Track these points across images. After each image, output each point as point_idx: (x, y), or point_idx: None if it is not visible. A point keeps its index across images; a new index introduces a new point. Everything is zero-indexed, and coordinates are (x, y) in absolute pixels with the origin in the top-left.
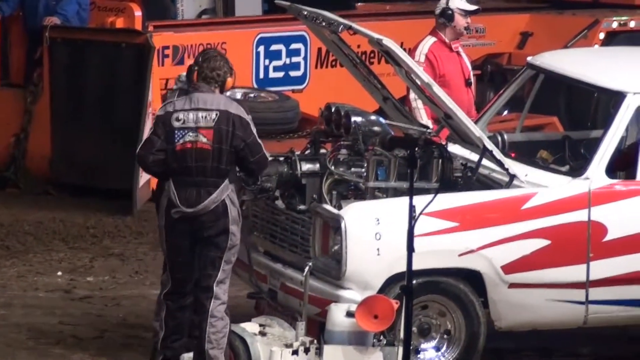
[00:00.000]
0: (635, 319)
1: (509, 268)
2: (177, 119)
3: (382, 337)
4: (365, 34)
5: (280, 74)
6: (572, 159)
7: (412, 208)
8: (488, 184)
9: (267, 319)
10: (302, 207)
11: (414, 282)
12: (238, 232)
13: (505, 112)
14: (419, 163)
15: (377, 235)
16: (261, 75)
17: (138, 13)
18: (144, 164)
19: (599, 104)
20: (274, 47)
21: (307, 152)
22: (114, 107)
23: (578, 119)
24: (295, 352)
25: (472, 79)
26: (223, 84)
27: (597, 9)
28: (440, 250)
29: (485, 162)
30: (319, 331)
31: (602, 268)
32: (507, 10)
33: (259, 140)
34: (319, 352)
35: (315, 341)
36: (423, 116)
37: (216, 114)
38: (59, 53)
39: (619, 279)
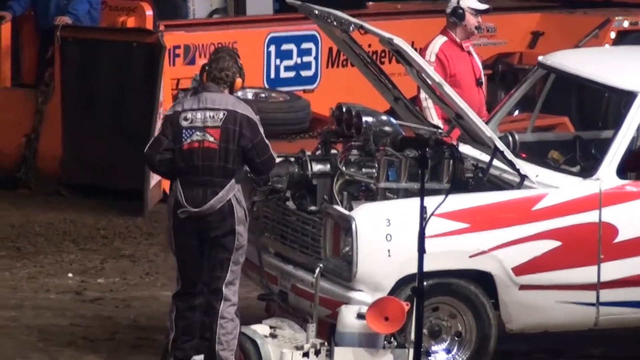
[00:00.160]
0: None
1: (520, 269)
2: (185, 119)
3: (392, 339)
4: (376, 34)
5: (292, 74)
6: (583, 159)
7: (423, 209)
8: (499, 184)
9: (277, 320)
10: (313, 208)
11: (425, 283)
12: (245, 233)
13: (516, 112)
14: (430, 164)
15: (388, 236)
16: (272, 75)
17: (149, 12)
18: (151, 163)
19: (610, 103)
20: (285, 47)
21: (318, 152)
22: (125, 107)
23: (589, 119)
24: (305, 354)
25: (483, 79)
26: (232, 85)
27: (608, 8)
28: (451, 251)
29: (496, 162)
30: (329, 333)
31: (613, 269)
32: (518, 10)
33: (267, 141)
34: (330, 354)
35: (325, 343)
36: (434, 116)
37: (224, 114)
38: (70, 53)
39: (630, 280)
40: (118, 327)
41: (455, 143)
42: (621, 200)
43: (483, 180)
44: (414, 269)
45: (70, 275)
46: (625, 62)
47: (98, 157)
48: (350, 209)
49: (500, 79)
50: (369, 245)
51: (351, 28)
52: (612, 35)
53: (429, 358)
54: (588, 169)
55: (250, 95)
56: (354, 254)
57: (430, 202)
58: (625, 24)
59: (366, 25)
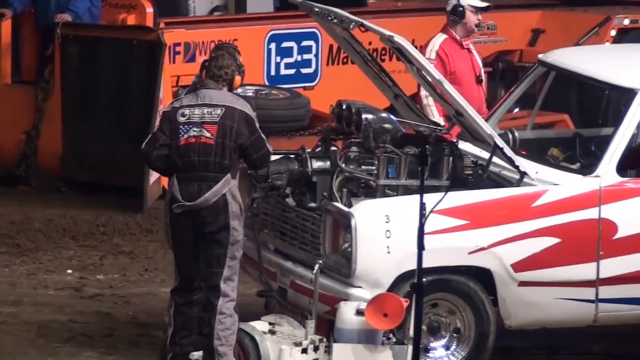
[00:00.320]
0: None
1: (519, 266)
2: (183, 115)
3: (391, 336)
4: (376, 31)
5: (292, 71)
6: (583, 156)
7: (422, 206)
8: (499, 181)
9: (276, 317)
10: (312, 204)
11: (424, 280)
12: (240, 228)
13: (516, 110)
14: (430, 161)
15: (388, 233)
16: (272, 72)
17: (150, 10)
18: (147, 159)
19: (610, 101)
20: (285, 44)
21: (318, 149)
22: (125, 104)
23: (589, 117)
24: (304, 351)
25: (483, 76)
26: (231, 82)
27: (608, 5)
28: (450, 248)
29: (496, 159)
30: (328, 329)
31: (612, 266)
32: (518, 7)
33: (263, 136)
34: (329, 350)
35: (324, 339)
36: (435, 113)
37: (221, 110)
38: (71, 50)
39: (629, 277)
40: (117, 323)
41: (455, 140)
42: (621, 197)
43: (483, 177)
44: (413, 266)
45: (69, 271)
46: (626, 60)
47: (98, 154)
48: (350, 205)
49: (501, 77)
50: (368, 242)
51: (352, 26)
52: (613, 33)
53: (428, 354)
54: (588, 166)
55: (250, 93)
56: (353, 251)
57: (430, 198)
58: (626, 21)
59: (367, 22)
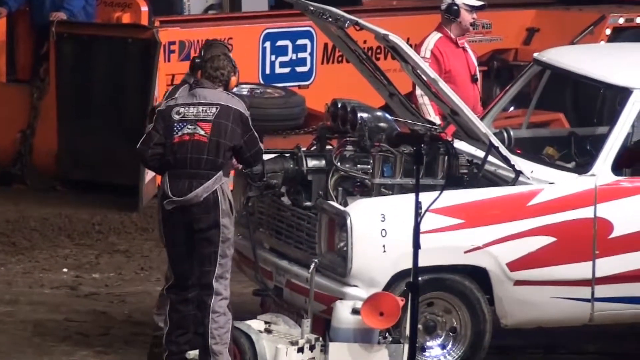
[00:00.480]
0: None
1: (514, 265)
2: (178, 113)
3: (387, 335)
4: (371, 30)
5: (287, 70)
6: (578, 155)
7: (418, 205)
8: (494, 180)
9: (272, 316)
10: (308, 203)
11: (420, 279)
12: (231, 225)
13: (512, 109)
14: (425, 159)
15: (383, 232)
16: (267, 71)
17: (144, 8)
18: (143, 159)
19: (605, 100)
20: (280, 43)
21: (313, 148)
22: (120, 103)
23: (584, 116)
24: (300, 350)
25: (478, 75)
26: (227, 83)
27: (603, 4)
28: (445, 247)
29: (491, 158)
30: (324, 328)
31: (608, 265)
32: (513, 6)
33: (256, 134)
34: (325, 349)
35: (320, 338)
36: (430, 112)
37: (216, 108)
38: (66, 48)
39: (625, 276)
40: (112, 322)
41: (450, 139)
42: (616, 196)
43: (478, 176)
44: (408, 265)
45: (65, 270)
46: (621, 59)
47: (93, 152)
48: (345, 204)
49: (496, 76)
50: (364, 241)
51: (346, 24)
52: (608, 31)
53: (424, 353)
54: (583, 165)
55: (245, 91)
56: (349, 250)
57: (425, 197)
58: (621, 20)
59: (361, 21)
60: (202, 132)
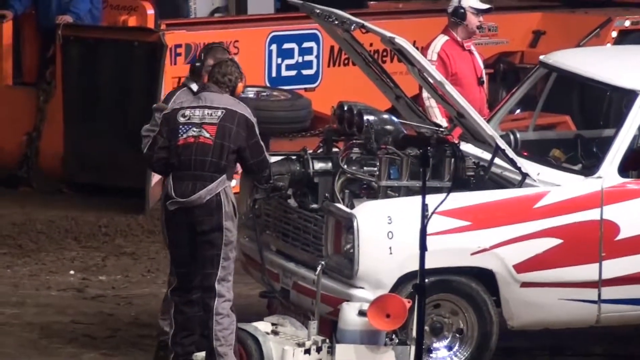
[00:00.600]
0: None
1: (521, 267)
2: (183, 115)
3: (394, 336)
4: (377, 33)
5: (293, 73)
6: (585, 157)
7: (424, 207)
8: (500, 182)
9: (279, 318)
10: (314, 205)
11: (426, 280)
12: (234, 228)
13: (518, 111)
14: (432, 162)
15: (390, 234)
16: (274, 74)
17: (151, 11)
18: (149, 163)
19: (611, 102)
20: (286, 46)
21: (320, 150)
22: (127, 106)
23: (590, 118)
24: (307, 351)
25: (485, 78)
26: (234, 89)
27: (609, 7)
28: (452, 249)
29: (497, 160)
30: (331, 330)
31: (614, 267)
32: (519, 9)
33: (262, 143)
34: (331, 351)
35: (327, 340)
36: (437, 115)
37: (222, 112)
38: (72, 51)
39: (631, 278)
40: (119, 324)
41: (456, 141)
42: (623, 199)
43: (484, 178)
44: (415, 267)
45: (71, 272)
46: (627, 62)
47: (99, 155)
48: (352, 207)
49: (502, 78)
50: (371, 243)
51: (352, 27)
52: (614, 34)
53: (431, 355)
54: (590, 167)
55: (251, 94)
56: (356, 252)
57: (432, 200)
58: (627, 23)
59: (368, 24)
60: (207, 135)
